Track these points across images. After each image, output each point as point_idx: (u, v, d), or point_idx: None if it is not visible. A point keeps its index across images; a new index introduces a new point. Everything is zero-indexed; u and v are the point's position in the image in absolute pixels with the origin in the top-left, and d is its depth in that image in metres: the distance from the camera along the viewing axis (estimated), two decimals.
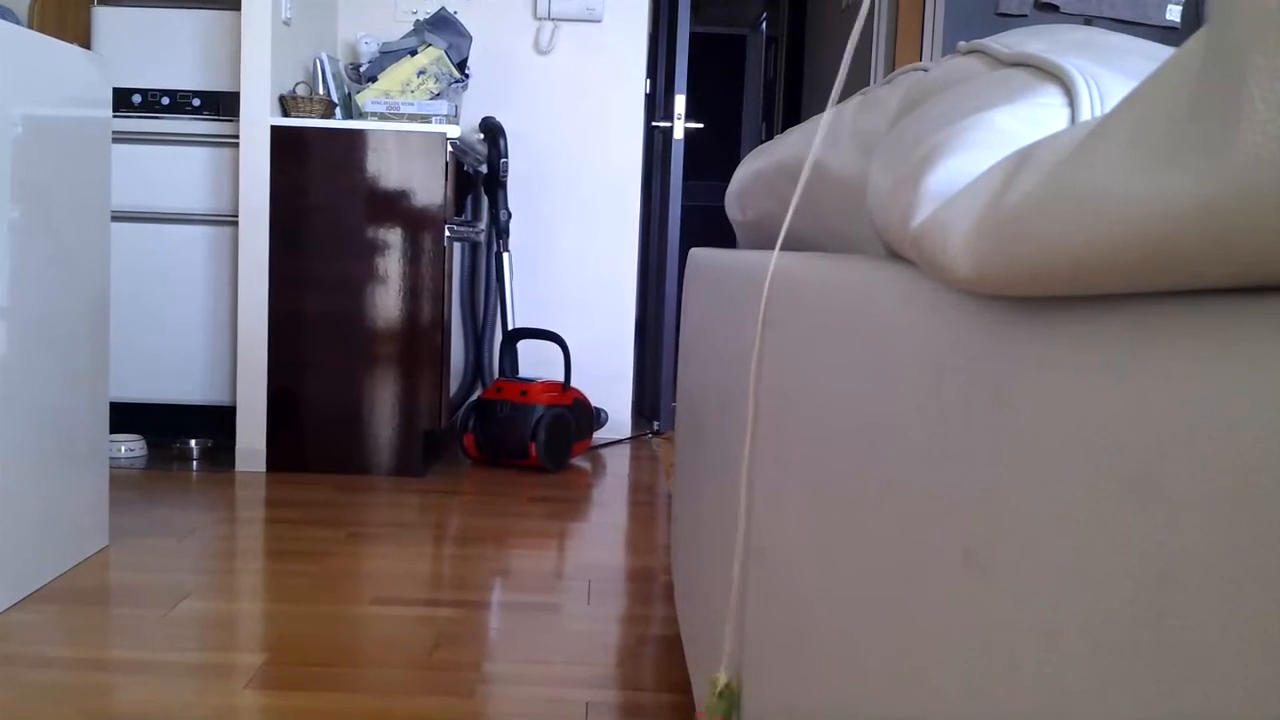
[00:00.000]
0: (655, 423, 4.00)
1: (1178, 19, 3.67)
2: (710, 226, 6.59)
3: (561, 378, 3.73)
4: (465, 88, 3.38)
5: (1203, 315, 0.30)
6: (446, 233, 3.01)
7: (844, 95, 4.42)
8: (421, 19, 3.36)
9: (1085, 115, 0.52)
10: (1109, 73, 0.53)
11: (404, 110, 3.11)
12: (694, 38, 6.82)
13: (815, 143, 0.85)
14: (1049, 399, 0.38)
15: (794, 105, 5.51)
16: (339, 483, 2.94)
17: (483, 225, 3.64)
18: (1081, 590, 0.34)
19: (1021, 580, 0.39)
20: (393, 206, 2.98)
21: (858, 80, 4.22)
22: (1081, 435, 0.35)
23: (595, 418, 3.49)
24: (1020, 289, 0.40)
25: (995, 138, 0.54)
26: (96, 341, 2.17)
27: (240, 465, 3.03)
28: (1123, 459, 0.32)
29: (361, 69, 3.21)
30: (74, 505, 2.11)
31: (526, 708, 1.60)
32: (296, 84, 3.15)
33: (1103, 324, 0.35)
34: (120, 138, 3.12)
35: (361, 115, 3.11)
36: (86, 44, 3.19)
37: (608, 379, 3.78)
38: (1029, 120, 0.54)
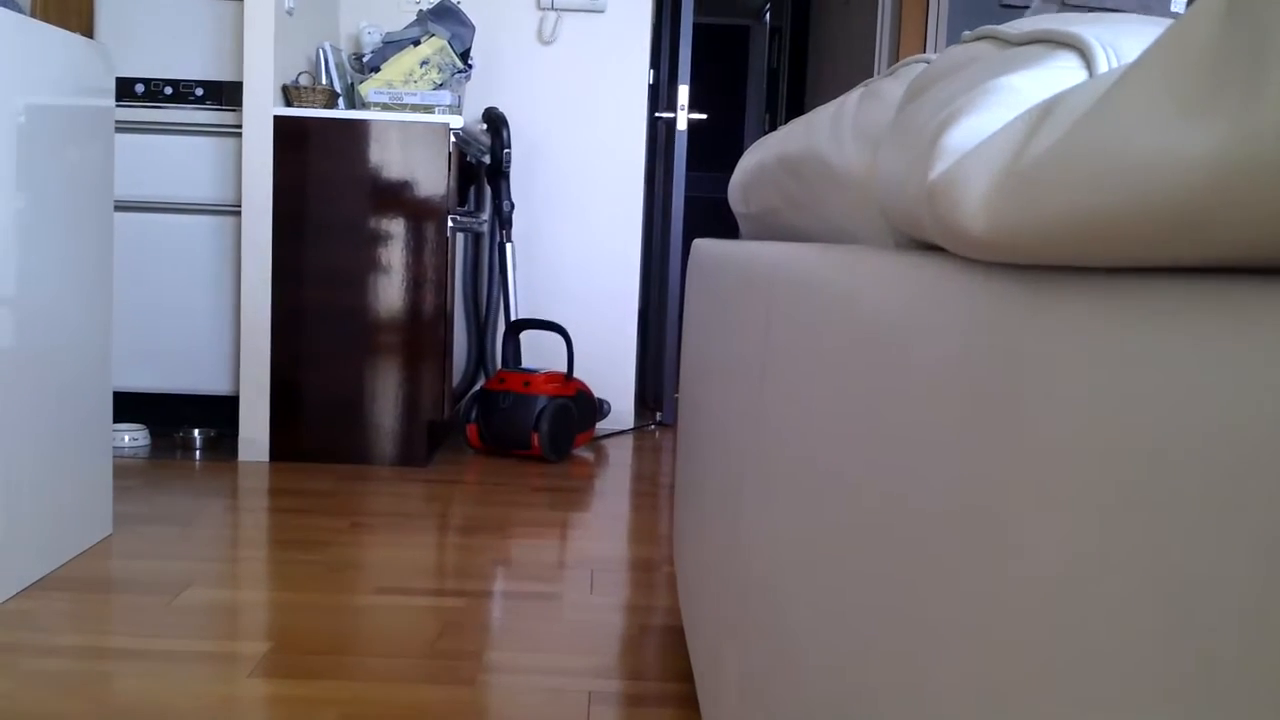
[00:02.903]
0: (658, 413, 4.01)
1: (1183, 9, 3.65)
2: (713, 217, 6.59)
3: (564, 368, 3.73)
4: (468, 78, 3.37)
5: (1219, 300, 0.30)
6: (449, 223, 3.01)
7: (847, 88, 4.41)
8: (424, 9, 3.35)
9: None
10: (1125, 39, 0.53)
11: (407, 100, 3.11)
12: (697, 28, 6.81)
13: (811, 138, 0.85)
14: (1060, 386, 0.38)
15: (797, 96, 5.50)
16: (342, 472, 2.94)
17: (485, 216, 3.64)
18: (1089, 585, 0.34)
19: (1029, 573, 0.39)
20: (395, 197, 2.98)
21: (860, 72, 4.22)
22: (1096, 428, 0.35)
23: (598, 408, 3.49)
24: (1033, 253, 0.39)
25: (1016, 98, 0.53)
26: (99, 331, 2.17)
27: (243, 455, 3.03)
28: (1138, 452, 0.32)
29: (364, 59, 3.21)
30: (77, 494, 2.11)
31: (529, 697, 1.60)
32: (299, 74, 3.15)
33: (1119, 311, 0.35)
34: (123, 127, 3.12)
35: (364, 105, 3.11)
36: (90, 33, 3.18)
37: (610, 370, 3.79)
38: (1048, 83, 0.53)
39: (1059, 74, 0.53)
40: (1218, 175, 0.27)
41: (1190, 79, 0.29)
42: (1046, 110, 0.42)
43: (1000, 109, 0.53)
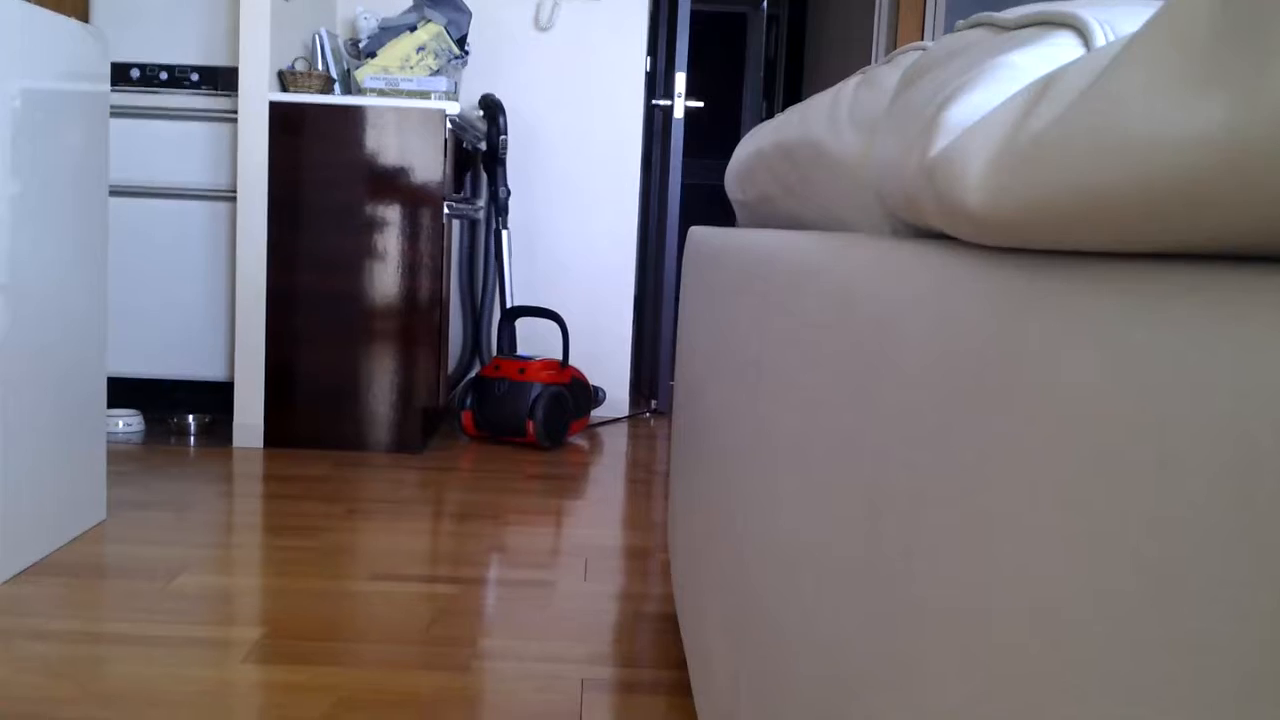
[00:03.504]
0: (653, 401, 4.01)
1: None
2: (710, 205, 6.58)
3: (560, 356, 3.73)
4: (465, 64, 3.36)
5: (1217, 290, 0.30)
6: (445, 210, 3.00)
7: (843, 76, 4.40)
8: None
9: None
10: (1122, 18, 0.52)
11: (403, 86, 3.10)
12: (695, 15, 6.78)
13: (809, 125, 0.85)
14: (1059, 377, 0.37)
15: (795, 84, 5.49)
16: (337, 458, 2.94)
17: (481, 202, 3.63)
18: (1086, 584, 0.34)
19: (1023, 573, 0.39)
20: (392, 183, 2.98)
21: (858, 61, 4.21)
22: (1094, 415, 0.35)
23: (593, 396, 3.49)
24: (1032, 229, 0.38)
25: (1015, 74, 0.53)
26: (94, 316, 2.16)
27: (238, 441, 3.03)
28: (1136, 439, 0.32)
29: (361, 45, 3.20)
30: (71, 479, 2.11)
31: (522, 683, 1.60)
32: (295, 59, 3.14)
33: (1117, 298, 0.34)
34: (119, 112, 3.11)
35: (360, 91, 3.10)
36: (85, 18, 3.17)
37: (606, 357, 3.78)
38: (1047, 59, 0.53)
39: (1057, 51, 0.53)
40: (1221, 153, 0.26)
41: (1192, 53, 0.28)
42: (1046, 85, 0.41)
43: (1000, 85, 0.53)
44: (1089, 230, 0.34)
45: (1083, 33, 0.52)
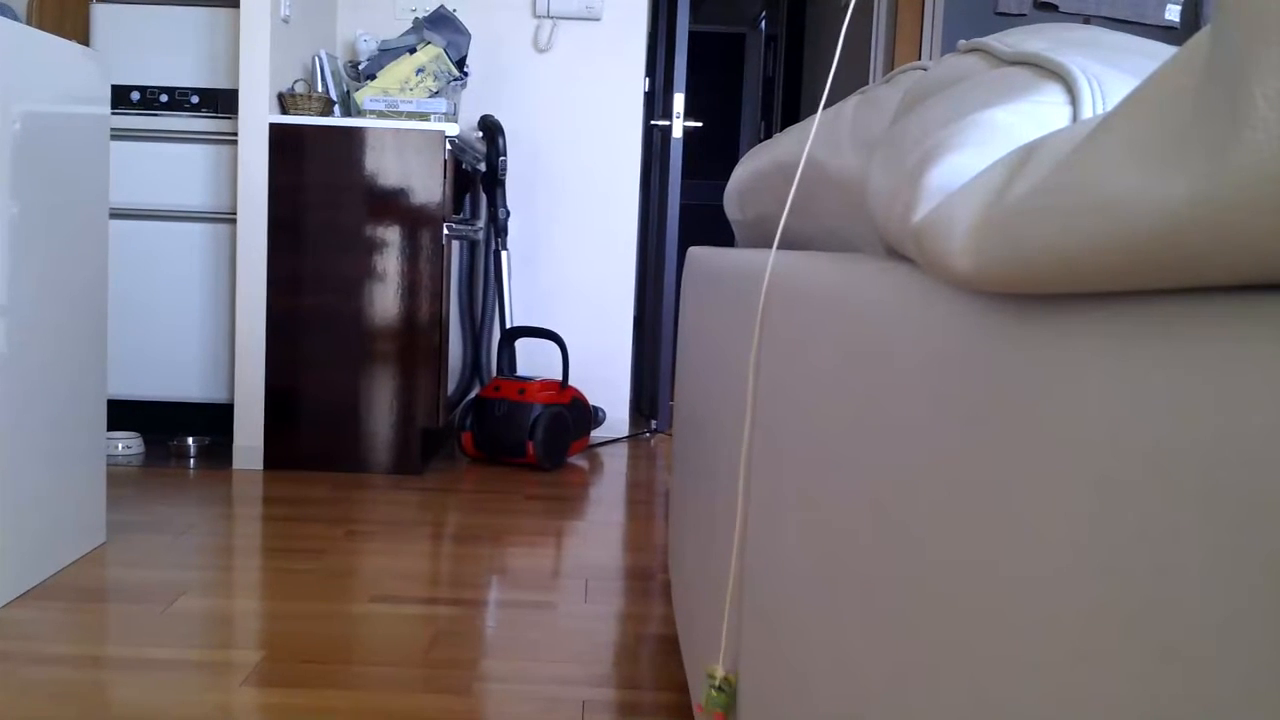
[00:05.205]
0: (653, 421, 4.00)
1: (1177, 19, 3.66)
2: (709, 225, 6.59)
3: (559, 376, 3.73)
4: (464, 86, 3.37)
5: (1205, 313, 0.30)
6: (445, 231, 3.01)
7: (844, 94, 4.42)
8: (420, 17, 3.35)
9: (1087, 113, 0.52)
10: (1111, 71, 0.53)
11: (403, 108, 3.11)
12: (693, 36, 6.82)
13: (808, 145, 0.85)
14: (1049, 397, 0.38)
15: (793, 103, 5.51)
16: (336, 480, 2.94)
17: (481, 223, 3.64)
18: (1082, 589, 0.34)
19: (1020, 579, 0.39)
20: (391, 204, 2.98)
21: (857, 79, 4.22)
22: (1082, 434, 0.35)
23: (593, 416, 3.48)
24: (1020, 286, 0.40)
25: (997, 135, 0.54)
26: (94, 338, 2.16)
27: (238, 463, 3.02)
28: (1123, 458, 0.32)
29: (360, 67, 3.21)
30: (71, 502, 2.10)
31: (523, 706, 1.59)
32: (295, 81, 3.15)
33: (1104, 322, 0.35)
34: (119, 135, 3.11)
35: (360, 113, 3.11)
36: (85, 41, 3.18)
37: (605, 378, 3.78)
38: (1030, 118, 0.54)
39: (1042, 109, 0.54)
40: (1193, 217, 0.28)
41: (1168, 126, 0.30)
42: (1027, 154, 0.43)
43: (982, 145, 0.54)
44: (1069, 284, 0.37)
45: (1070, 89, 0.53)
